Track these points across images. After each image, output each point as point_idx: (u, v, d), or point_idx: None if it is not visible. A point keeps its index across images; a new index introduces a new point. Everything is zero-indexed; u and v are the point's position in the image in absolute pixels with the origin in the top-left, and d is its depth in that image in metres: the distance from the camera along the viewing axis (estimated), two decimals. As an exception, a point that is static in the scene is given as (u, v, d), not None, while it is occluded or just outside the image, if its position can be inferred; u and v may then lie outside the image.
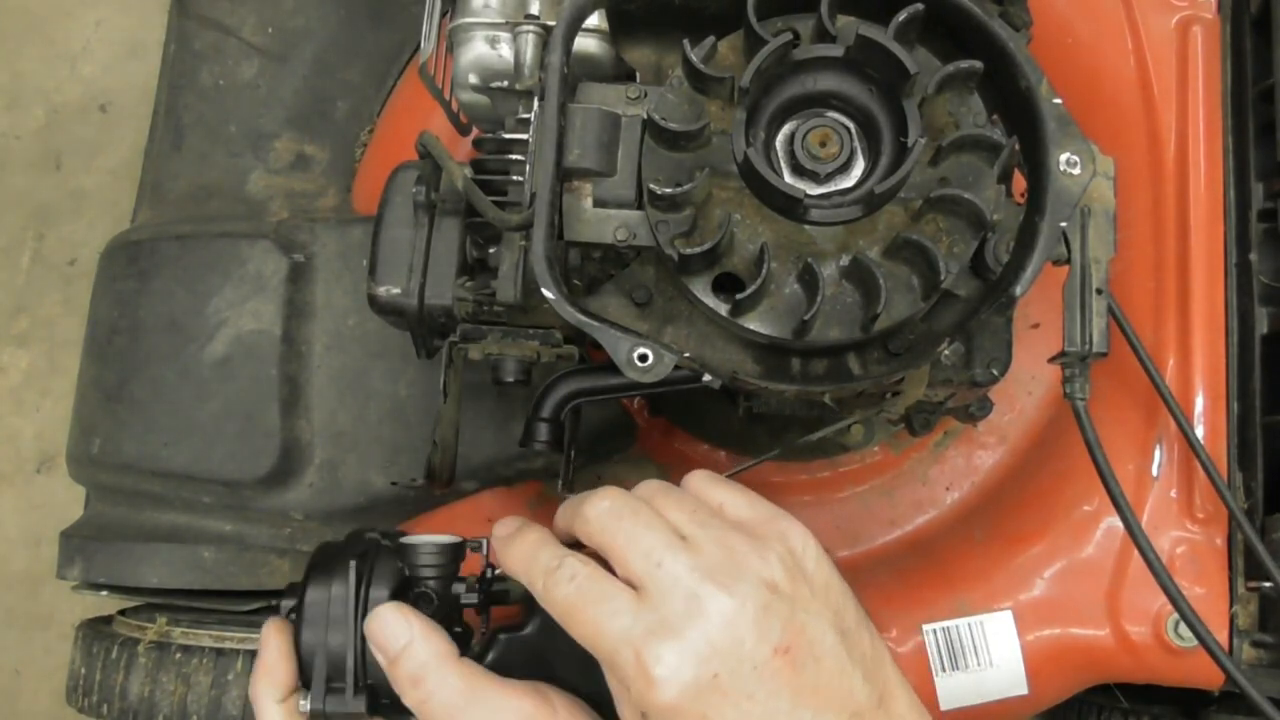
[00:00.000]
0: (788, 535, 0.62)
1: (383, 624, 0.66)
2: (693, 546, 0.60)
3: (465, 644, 0.70)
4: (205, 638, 0.97)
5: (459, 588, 0.71)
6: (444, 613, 0.69)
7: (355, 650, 0.67)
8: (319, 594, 0.68)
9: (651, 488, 0.65)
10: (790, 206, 0.62)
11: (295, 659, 0.68)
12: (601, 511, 0.62)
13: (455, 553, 0.71)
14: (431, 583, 0.70)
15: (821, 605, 0.61)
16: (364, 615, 0.67)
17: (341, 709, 0.67)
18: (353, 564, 0.68)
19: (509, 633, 0.71)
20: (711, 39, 0.64)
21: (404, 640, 0.65)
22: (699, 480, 0.66)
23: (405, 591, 0.69)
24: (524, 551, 0.65)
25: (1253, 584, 0.92)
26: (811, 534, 0.64)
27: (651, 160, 0.65)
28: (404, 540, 0.71)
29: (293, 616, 0.69)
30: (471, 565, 0.73)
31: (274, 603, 1.00)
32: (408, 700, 0.64)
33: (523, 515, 0.70)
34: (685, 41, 0.63)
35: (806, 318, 0.60)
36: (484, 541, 0.73)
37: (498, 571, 0.73)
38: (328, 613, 0.68)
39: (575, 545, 0.64)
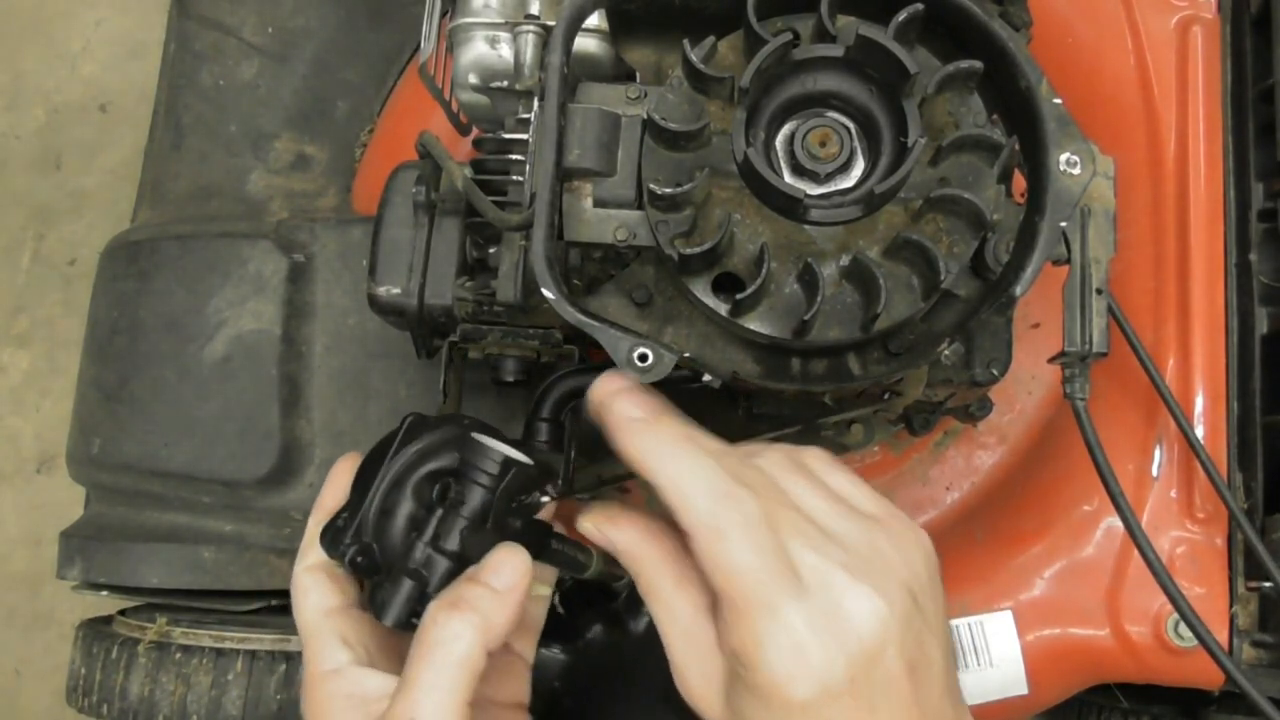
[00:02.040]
0: (923, 540, 0.58)
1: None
2: (837, 536, 0.56)
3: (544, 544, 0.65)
4: (205, 638, 0.97)
5: (507, 516, 0.63)
6: (473, 524, 0.62)
7: (363, 513, 0.63)
8: (378, 450, 0.65)
9: (779, 463, 0.60)
10: (790, 206, 0.62)
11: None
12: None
13: (521, 474, 0.63)
14: (473, 490, 0.62)
15: (938, 623, 0.57)
16: (388, 483, 0.63)
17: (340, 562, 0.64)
18: (406, 421, 0.64)
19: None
20: (711, 39, 0.64)
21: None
22: (819, 462, 0.61)
23: (438, 480, 0.64)
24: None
25: (1253, 584, 0.92)
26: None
27: (651, 160, 0.64)
28: (474, 434, 0.64)
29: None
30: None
31: (273, 603, 1.01)
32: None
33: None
34: (685, 41, 0.63)
35: (806, 318, 0.60)
36: (549, 495, 0.67)
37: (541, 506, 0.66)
38: (367, 471, 0.65)
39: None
